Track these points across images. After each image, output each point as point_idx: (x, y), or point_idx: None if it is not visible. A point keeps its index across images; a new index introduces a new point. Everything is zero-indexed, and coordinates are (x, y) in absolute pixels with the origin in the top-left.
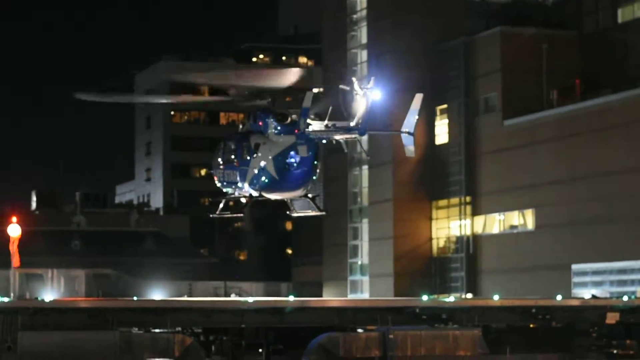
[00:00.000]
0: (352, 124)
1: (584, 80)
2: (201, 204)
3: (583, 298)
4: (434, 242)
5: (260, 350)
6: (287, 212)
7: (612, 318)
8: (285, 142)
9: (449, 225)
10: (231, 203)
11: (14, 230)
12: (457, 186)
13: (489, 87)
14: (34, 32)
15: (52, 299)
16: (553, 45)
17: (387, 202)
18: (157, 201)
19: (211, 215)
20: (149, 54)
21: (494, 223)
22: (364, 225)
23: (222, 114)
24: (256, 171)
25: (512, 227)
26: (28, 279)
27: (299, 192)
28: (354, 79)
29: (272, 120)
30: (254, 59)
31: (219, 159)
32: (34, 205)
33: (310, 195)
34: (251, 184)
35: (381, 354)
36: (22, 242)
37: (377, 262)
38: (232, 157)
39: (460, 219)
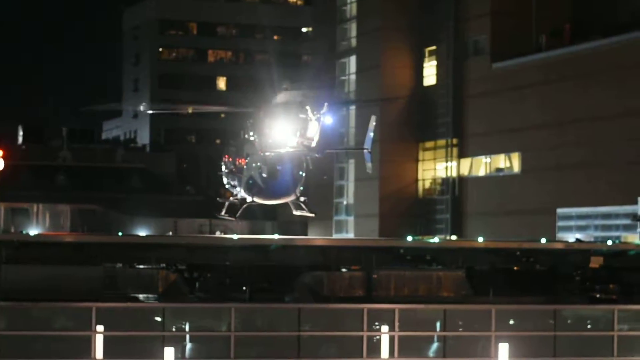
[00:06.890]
0: (313, 145)
1: (574, 25)
2: (188, 141)
3: (567, 242)
4: (420, 184)
5: (244, 288)
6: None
7: (595, 262)
8: (271, 153)
9: (435, 167)
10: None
11: None
12: (444, 128)
13: (478, 30)
14: None
15: (37, 233)
16: None
17: (374, 143)
18: (143, 138)
19: (217, 215)
20: None
21: (480, 165)
22: (350, 166)
23: (210, 52)
24: (247, 179)
25: (498, 170)
26: (13, 213)
27: (288, 199)
28: (307, 107)
29: (259, 131)
30: None
31: (223, 164)
32: (20, 139)
33: (302, 199)
34: (245, 190)
35: (365, 293)
36: (8, 176)
37: (363, 202)
38: (230, 164)
39: (447, 161)
